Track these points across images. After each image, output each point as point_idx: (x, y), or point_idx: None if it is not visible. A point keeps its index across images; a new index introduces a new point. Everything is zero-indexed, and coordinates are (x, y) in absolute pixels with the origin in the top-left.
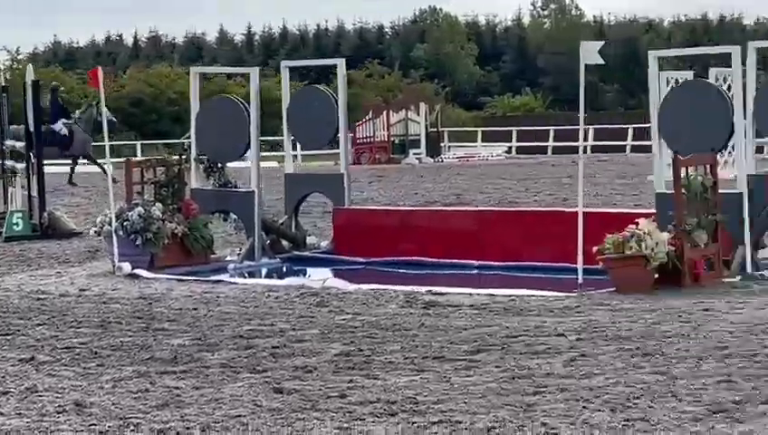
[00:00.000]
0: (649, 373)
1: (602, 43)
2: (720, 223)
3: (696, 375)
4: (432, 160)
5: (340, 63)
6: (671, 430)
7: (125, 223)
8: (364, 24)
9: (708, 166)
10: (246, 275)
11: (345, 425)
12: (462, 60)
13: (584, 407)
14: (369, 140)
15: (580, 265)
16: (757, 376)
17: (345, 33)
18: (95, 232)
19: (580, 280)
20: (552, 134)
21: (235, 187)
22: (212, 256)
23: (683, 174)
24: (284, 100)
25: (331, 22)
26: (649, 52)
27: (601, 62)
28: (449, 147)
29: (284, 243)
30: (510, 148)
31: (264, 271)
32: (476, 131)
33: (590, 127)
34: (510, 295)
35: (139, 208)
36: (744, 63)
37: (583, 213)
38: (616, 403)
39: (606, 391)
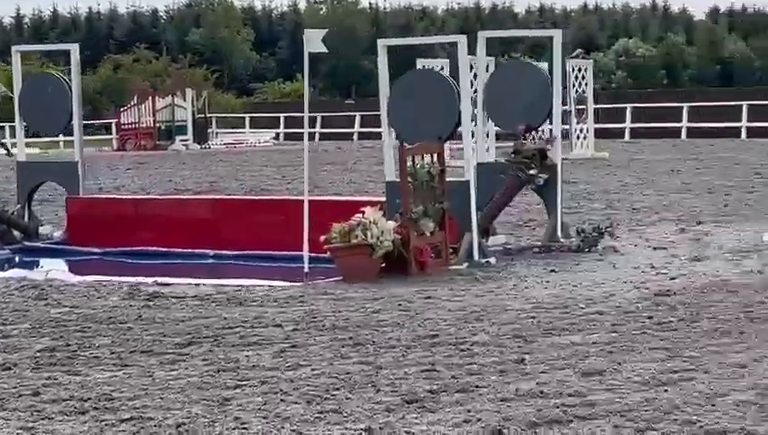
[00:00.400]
0: (356, 363)
1: (326, 30)
2: (447, 211)
3: (400, 365)
4: (199, 147)
5: (74, 49)
6: (361, 420)
7: None
8: (138, 7)
9: (436, 154)
10: None
11: (30, 424)
12: (238, 45)
13: (282, 400)
14: (134, 125)
15: (305, 254)
16: (459, 365)
17: (118, 16)
18: None
19: (306, 269)
20: (319, 121)
21: None
22: None
23: (410, 162)
24: (16, 85)
25: (104, 5)
26: (378, 41)
27: (324, 50)
28: (217, 133)
29: (16, 233)
30: (278, 134)
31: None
32: (245, 118)
33: (357, 113)
34: (237, 286)
35: None
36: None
37: (316, 201)
38: (314, 395)
39: (308, 382)
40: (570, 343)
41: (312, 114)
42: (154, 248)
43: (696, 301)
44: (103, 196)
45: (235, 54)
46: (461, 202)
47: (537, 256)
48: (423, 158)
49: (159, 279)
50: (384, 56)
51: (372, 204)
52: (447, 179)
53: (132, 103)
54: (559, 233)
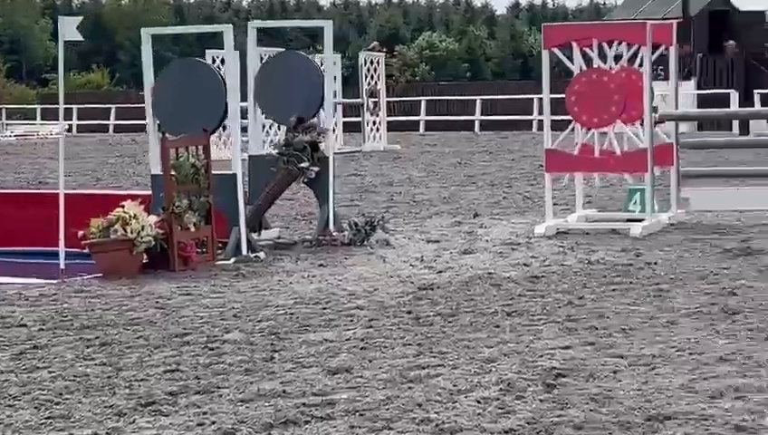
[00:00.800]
0: (97, 365)
1: (81, 18)
2: (212, 205)
3: (144, 365)
4: None
5: None
6: (89, 426)
7: None
8: None
9: (201, 147)
10: None
11: None
12: (36, 35)
13: (9, 405)
14: None
15: (62, 250)
16: (206, 365)
17: None
18: None
19: (62, 266)
20: (113, 112)
21: None
22: None
23: (174, 155)
24: None
25: None
26: (142, 30)
27: (80, 38)
28: (7, 125)
29: None
30: (70, 126)
31: None
32: (36, 109)
33: None
34: None
35: None
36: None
37: (76, 195)
38: (45, 400)
39: (42, 386)
40: (323, 339)
41: (105, 105)
42: None
43: (459, 295)
44: None
45: (33, 45)
46: (229, 196)
47: (308, 250)
48: (188, 150)
49: None
50: (148, 45)
51: (134, 197)
52: (215, 173)
53: None
54: (331, 226)
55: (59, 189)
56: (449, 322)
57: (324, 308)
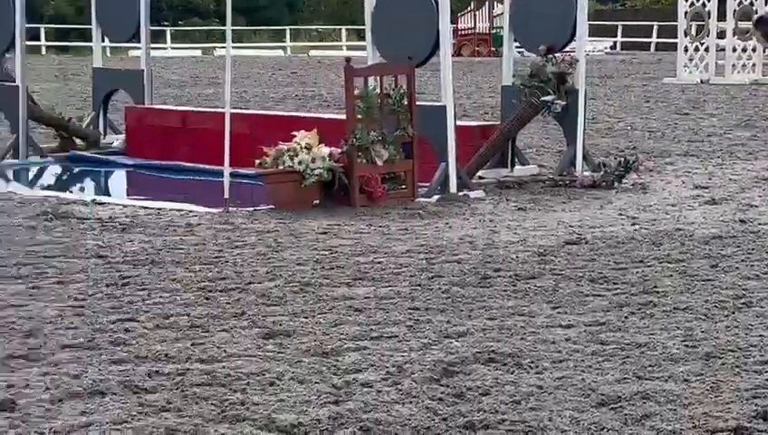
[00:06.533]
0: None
1: None
2: (413, 138)
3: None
4: None
5: None
6: None
7: None
8: None
9: (405, 76)
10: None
11: None
12: None
13: None
14: (470, 31)
15: (226, 179)
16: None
17: None
18: None
19: (226, 195)
20: None
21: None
22: None
23: (366, 85)
24: None
25: None
26: None
27: None
28: None
29: (78, 141)
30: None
31: (30, 170)
32: None
33: None
34: (155, 209)
35: None
36: None
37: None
38: None
39: None
40: (343, 296)
41: None
42: (180, 163)
43: (602, 255)
44: (158, 106)
45: None
46: (437, 129)
47: (541, 190)
48: (380, 80)
49: (98, 198)
50: None
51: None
52: (423, 104)
53: (469, 9)
54: (578, 166)
55: (225, 110)
56: (513, 285)
57: (429, 258)
